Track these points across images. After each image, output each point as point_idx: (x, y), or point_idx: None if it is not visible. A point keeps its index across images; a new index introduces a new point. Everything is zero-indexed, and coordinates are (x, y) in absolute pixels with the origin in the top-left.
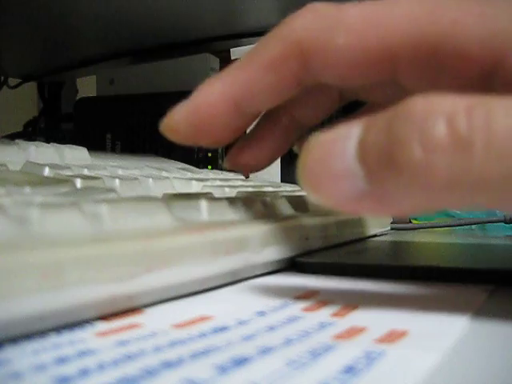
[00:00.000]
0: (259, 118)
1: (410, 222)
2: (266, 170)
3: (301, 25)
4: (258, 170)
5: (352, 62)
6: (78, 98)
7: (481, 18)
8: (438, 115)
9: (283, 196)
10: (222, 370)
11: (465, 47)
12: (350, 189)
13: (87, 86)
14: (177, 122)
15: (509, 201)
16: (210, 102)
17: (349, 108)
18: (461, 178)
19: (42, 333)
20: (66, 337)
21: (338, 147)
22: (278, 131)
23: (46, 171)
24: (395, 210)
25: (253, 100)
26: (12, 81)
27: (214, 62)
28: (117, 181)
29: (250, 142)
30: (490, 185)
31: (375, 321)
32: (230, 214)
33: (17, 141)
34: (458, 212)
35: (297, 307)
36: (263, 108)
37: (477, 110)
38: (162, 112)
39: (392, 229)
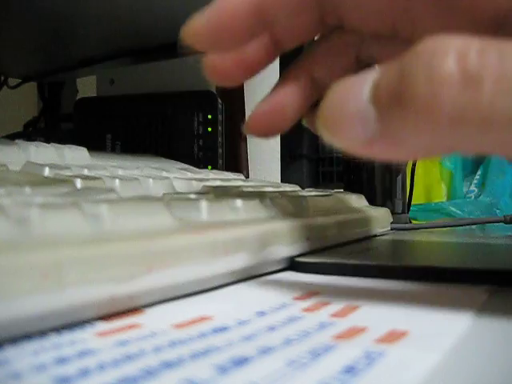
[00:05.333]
0: (277, 80)
1: (410, 222)
2: (266, 170)
3: None
4: (277, 134)
5: None
6: (78, 97)
7: None
8: (448, 51)
9: (283, 196)
10: (222, 369)
11: None
12: (363, 131)
13: (87, 86)
14: (199, 25)
15: None
16: (233, 5)
17: None
18: (468, 114)
19: (42, 333)
20: (66, 337)
21: (354, 91)
22: (297, 92)
23: (46, 171)
24: (405, 150)
25: (274, 7)
26: (12, 81)
27: None
28: (117, 181)
29: (269, 105)
30: (499, 123)
31: (375, 321)
32: (229, 214)
33: (17, 141)
34: (459, 212)
35: (297, 307)
36: (282, 21)
37: (489, 49)
38: (162, 112)
39: (392, 229)
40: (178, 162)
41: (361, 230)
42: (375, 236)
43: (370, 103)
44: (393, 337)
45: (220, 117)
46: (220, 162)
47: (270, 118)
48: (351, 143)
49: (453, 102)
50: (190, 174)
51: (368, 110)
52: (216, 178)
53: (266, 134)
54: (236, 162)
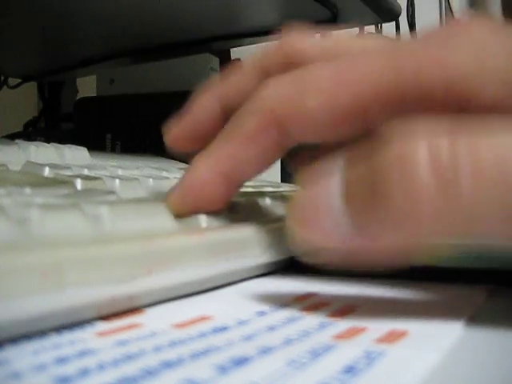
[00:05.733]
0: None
1: None
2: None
3: (272, 93)
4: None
5: (326, 121)
6: (77, 97)
7: (443, 64)
8: (419, 156)
9: (283, 196)
10: (222, 370)
11: (430, 93)
12: (338, 231)
13: (87, 86)
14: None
15: (508, 231)
16: (201, 179)
17: None
18: (449, 216)
19: (42, 333)
20: (66, 337)
21: (325, 191)
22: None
23: (46, 171)
24: (384, 248)
25: (240, 171)
26: (12, 81)
27: (214, 62)
28: (117, 181)
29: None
30: (483, 218)
31: (375, 321)
32: (229, 214)
33: (17, 141)
34: None
35: (297, 307)
36: (252, 176)
37: (459, 144)
38: (162, 112)
39: None
40: (178, 162)
41: None
42: None
43: (343, 203)
44: (392, 337)
45: None
46: None
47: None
48: (325, 245)
49: (432, 207)
50: None
51: (341, 209)
52: None
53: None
54: None
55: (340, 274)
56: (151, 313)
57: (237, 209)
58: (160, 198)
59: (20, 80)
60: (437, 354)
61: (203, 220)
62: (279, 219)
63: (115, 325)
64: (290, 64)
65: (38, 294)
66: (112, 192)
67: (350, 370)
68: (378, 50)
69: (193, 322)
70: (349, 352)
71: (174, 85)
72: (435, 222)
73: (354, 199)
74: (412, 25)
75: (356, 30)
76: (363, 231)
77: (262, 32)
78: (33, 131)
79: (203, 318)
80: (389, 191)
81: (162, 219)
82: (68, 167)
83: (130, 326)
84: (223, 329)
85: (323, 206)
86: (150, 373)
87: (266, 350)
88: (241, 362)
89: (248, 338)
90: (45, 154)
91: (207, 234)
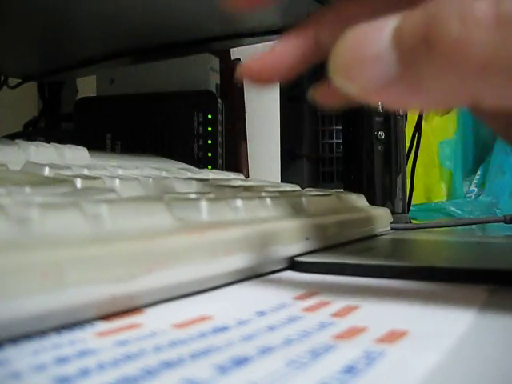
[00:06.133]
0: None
1: (410, 221)
2: (266, 170)
3: None
4: (269, 84)
5: None
6: (77, 97)
7: None
8: None
9: (283, 196)
10: (222, 370)
11: None
12: (381, 73)
13: (87, 86)
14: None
15: None
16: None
17: None
18: (497, 59)
19: (42, 333)
20: (66, 337)
21: (373, 34)
22: (299, 48)
23: (46, 171)
24: (423, 97)
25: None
26: (12, 81)
27: (214, 62)
28: (117, 181)
29: (268, 53)
30: None
31: (375, 321)
32: (229, 213)
33: (17, 141)
34: (459, 212)
35: (297, 307)
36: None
37: None
38: (162, 112)
39: (392, 229)
40: (178, 162)
41: (361, 230)
42: (375, 236)
43: (391, 46)
44: (393, 337)
45: (220, 117)
46: (220, 161)
47: (266, 64)
48: (366, 86)
49: (485, 45)
50: (189, 174)
51: (388, 52)
52: (216, 177)
53: (257, 80)
54: (236, 161)
55: (340, 274)
56: (151, 313)
57: (237, 208)
58: (160, 197)
59: (20, 80)
60: (437, 353)
61: (204, 218)
62: (279, 219)
63: (115, 325)
64: None
65: (38, 293)
66: (112, 190)
67: (350, 369)
68: None
69: (193, 321)
70: (349, 352)
71: (174, 85)
72: (483, 64)
73: (404, 40)
74: None
75: None
76: (408, 76)
77: (261, 32)
78: (33, 131)
79: (203, 318)
80: (444, 23)
81: (163, 218)
82: (68, 167)
83: (130, 326)
84: (223, 329)
85: (369, 49)
86: (149, 373)
87: (265, 350)
88: (241, 361)
89: (248, 337)
90: (45, 154)
91: (207, 233)
